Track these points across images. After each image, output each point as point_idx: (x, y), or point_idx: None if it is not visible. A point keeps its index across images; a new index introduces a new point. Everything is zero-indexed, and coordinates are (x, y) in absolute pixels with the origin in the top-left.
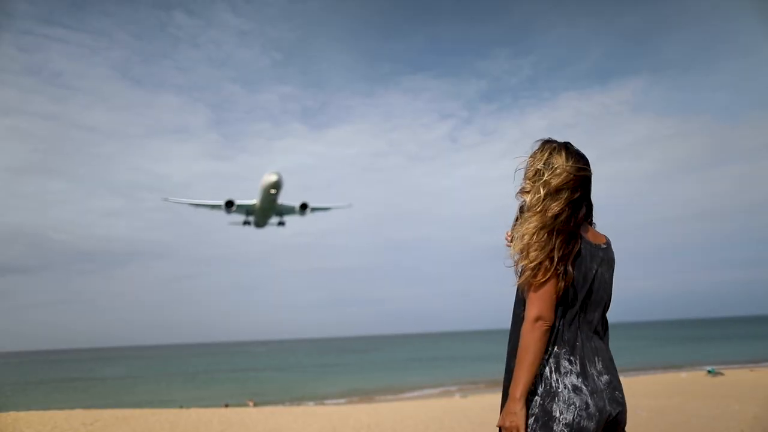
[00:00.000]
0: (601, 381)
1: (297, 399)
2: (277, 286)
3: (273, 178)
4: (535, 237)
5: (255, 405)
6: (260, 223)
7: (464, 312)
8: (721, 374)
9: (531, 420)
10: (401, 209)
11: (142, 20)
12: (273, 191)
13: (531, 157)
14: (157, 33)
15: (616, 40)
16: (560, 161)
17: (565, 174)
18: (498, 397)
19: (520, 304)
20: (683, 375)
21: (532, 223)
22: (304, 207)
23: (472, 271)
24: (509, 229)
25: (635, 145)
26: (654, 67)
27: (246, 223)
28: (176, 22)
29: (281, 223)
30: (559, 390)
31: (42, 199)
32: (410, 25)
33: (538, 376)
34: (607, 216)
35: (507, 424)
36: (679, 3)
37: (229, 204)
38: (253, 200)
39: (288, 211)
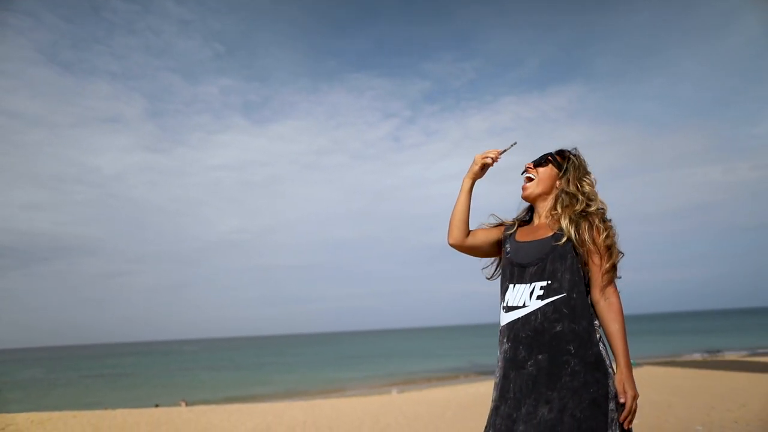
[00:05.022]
0: None
1: (231, 398)
2: (213, 283)
3: None
4: (616, 241)
5: (187, 405)
6: None
7: (403, 310)
8: (639, 365)
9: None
10: (343, 207)
11: (73, 2)
12: None
13: (575, 157)
14: (90, 16)
15: (553, 50)
16: (591, 181)
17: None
18: (433, 392)
19: (581, 281)
20: None
21: (611, 230)
22: None
23: (412, 271)
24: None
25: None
26: (588, 76)
27: None
28: (111, 6)
29: None
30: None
31: None
32: (356, 23)
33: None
34: None
35: (636, 392)
36: (608, 18)
37: None
38: None
39: None
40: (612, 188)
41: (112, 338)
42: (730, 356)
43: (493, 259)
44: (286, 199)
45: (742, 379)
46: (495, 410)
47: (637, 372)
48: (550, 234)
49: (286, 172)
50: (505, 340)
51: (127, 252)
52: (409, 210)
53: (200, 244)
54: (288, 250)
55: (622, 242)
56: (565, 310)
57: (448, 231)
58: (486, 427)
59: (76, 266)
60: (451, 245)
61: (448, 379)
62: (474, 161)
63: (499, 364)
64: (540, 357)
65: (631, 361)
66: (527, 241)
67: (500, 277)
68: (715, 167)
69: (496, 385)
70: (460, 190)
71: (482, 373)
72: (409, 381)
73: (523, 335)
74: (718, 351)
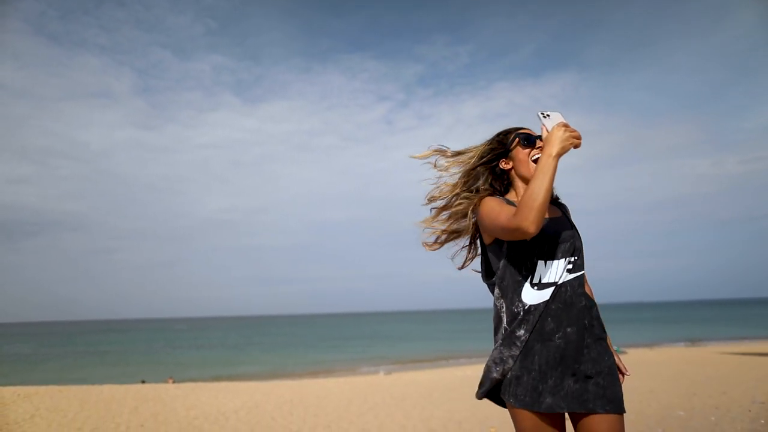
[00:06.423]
0: None
1: (219, 377)
2: (202, 262)
3: None
4: None
5: (175, 382)
6: None
7: (391, 293)
8: (624, 353)
9: None
10: (334, 189)
11: None
12: None
13: None
14: None
15: (548, 37)
16: None
17: None
18: (420, 374)
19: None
20: None
21: None
22: None
23: (401, 254)
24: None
25: None
26: (581, 65)
27: None
28: None
29: None
30: None
31: None
32: (350, 4)
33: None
34: None
35: None
36: (602, 8)
37: None
38: None
39: None
40: (602, 177)
41: (101, 315)
42: (712, 345)
43: (461, 245)
44: (276, 180)
45: (723, 368)
46: (516, 379)
47: (623, 357)
48: (560, 214)
49: (277, 152)
50: (541, 317)
51: (114, 228)
52: (400, 193)
53: (189, 223)
54: (277, 230)
55: (611, 230)
56: (586, 286)
57: (536, 217)
58: (508, 395)
59: (63, 242)
60: (534, 233)
61: (435, 361)
62: (567, 141)
63: (521, 338)
64: (569, 330)
65: (616, 348)
66: (548, 218)
67: (518, 252)
68: (704, 160)
69: (511, 356)
70: (552, 171)
71: (469, 356)
72: (397, 363)
73: (553, 307)
74: (700, 340)
